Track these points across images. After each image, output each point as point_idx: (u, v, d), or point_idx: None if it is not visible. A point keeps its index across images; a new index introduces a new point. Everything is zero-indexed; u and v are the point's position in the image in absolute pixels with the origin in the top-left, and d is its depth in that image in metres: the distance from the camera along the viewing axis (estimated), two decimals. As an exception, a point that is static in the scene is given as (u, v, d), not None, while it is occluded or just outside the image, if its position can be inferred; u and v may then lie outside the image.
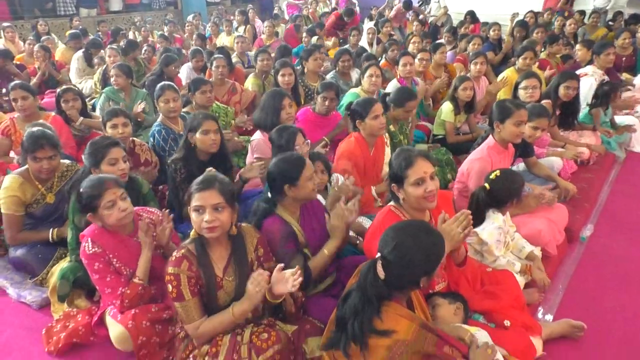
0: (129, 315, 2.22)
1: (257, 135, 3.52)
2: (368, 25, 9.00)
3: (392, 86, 4.73)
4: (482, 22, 8.92)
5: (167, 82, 3.81)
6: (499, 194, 2.62)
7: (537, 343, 2.22)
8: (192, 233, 2.03)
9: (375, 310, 1.69)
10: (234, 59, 6.52)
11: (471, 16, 9.08)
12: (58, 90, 4.35)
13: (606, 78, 5.04)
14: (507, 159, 3.13)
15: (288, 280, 1.91)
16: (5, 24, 8.71)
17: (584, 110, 4.61)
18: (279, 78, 4.50)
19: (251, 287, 1.93)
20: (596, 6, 9.17)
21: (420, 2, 12.24)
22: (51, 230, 2.94)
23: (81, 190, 2.26)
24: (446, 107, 4.45)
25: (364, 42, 7.56)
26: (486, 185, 2.64)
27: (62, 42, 8.57)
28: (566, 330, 2.39)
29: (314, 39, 7.57)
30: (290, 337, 2.02)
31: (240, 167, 3.66)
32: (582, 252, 3.19)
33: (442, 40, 7.16)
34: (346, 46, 6.93)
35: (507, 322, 2.20)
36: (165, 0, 13.08)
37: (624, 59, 6.36)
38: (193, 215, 1.97)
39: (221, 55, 5.06)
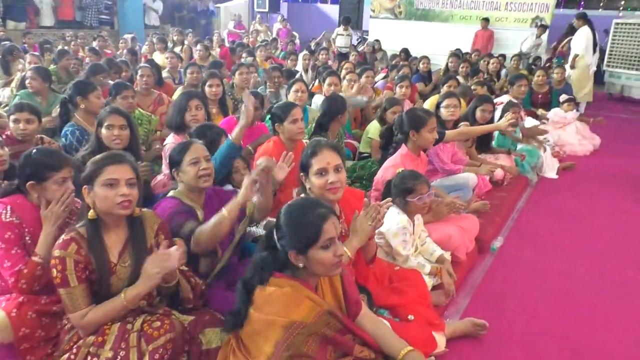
0: (14, 302, 2.04)
1: (170, 139, 3.43)
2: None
3: (317, 100, 4.82)
4: (413, 56, 9.37)
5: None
6: (399, 187, 2.70)
7: (440, 339, 2.24)
8: (90, 214, 1.90)
9: (261, 280, 1.67)
10: (165, 74, 6.42)
11: (405, 52, 9.51)
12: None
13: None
14: (420, 165, 3.23)
15: (173, 255, 1.82)
16: None
17: (497, 135, 4.88)
18: (207, 89, 4.45)
19: (149, 267, 1.82)
20: (523, 51, 9.90)
21: (359, 40, 12.71)
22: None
23: (34, 156, 2.16)
24: (373, 127, 4.56)
25: (299, 68, 7.70)
26: (392, 180, 2.73)
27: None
28: (469, 328, 2.44)
29: (249, 60, 7.63)
30: (186, 327, 1.92)
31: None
32: (492, 261, 3.31)
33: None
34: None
35: (410, 317, 2.22)
36: (99, 19, 12.78)
37: (540, 95, 6.83)
38: (102, 190, 1.84)
39: (147, 65, 4.97)
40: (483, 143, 4.67)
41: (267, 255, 1.76)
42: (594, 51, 8.39)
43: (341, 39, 10.81)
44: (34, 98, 4.57)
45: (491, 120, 4.47)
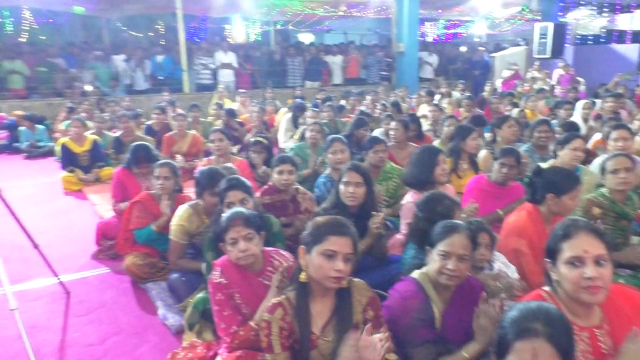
0: (233, 356, 2.12)
1: (408, 198, 3.23)
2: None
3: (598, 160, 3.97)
4: None
5: (336, 135, 3.85)
6: None
7: None
8: (302, 276, 1.85)
9: None
10: (426, 127, 6.38)
11: None
12: (250, 140, 4.81)
13: None
14: None
15: (376, 346, 1.57)
16: (241, 91, 10.29)
17: None
18: (469, 142, 4.16)
19: (346, 354, 1.64)
20: None
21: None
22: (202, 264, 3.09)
23: (218, 219, 2.33)
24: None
25: (577, 119, 6.67)
26: None
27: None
28: None
29: (515, 111, 7.01)
30: None
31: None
32: None
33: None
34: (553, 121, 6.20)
35: None
36: (380, 75, 13.87)
37: None
38: (318, 259, 1.77)
39: (405, 120, 4.98)
40: None
41: None
42: None
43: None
44: (305, 150, 5.07)
45: None
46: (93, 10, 12.80)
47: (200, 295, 2.75)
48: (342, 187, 2.88)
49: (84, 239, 4.24)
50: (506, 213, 3.30)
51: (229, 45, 12.71)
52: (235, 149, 6.36)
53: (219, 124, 7.47)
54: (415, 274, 2.07)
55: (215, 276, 2.25)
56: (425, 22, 19.19)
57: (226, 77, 11.76)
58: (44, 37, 14.00)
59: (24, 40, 13.17)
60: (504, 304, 1.97)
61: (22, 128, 8.43)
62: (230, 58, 11.88)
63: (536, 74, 11.07)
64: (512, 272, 2.50)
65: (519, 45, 14.96)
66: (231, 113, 7.42)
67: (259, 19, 15.91)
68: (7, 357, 2.60)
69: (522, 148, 4.79)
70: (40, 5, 11.95)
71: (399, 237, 3.26)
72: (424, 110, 8.36)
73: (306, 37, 19.55)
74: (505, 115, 5.28)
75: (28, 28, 13.90)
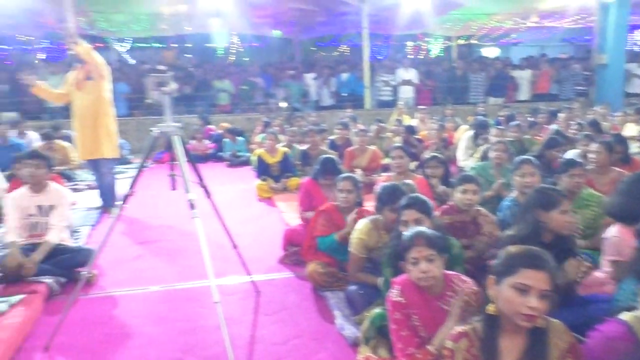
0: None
1: (613, 232, 2.81)
2: None
3: None
4: None
5: (525, 157, 3.59)
6: None
7: None
8: (490, 308, 1.75)
9: None
10: (635, 149, 5.57)
11: None
12: (426, 156, 4.76)
13: None
14: None
15: None
16: (421, 107, 10.26)
17: None
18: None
19: None
20: None
21: None
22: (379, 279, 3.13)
23: (398, 236, 2.34)
24: None
25: None
26: None
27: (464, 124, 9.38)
28: None
29: None
30: None
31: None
32: None
33: None
34: None
35: None
36: (575, 90, 12.55)
37: None
38: (509, 292, 1.67)
39: (609, 141, 4.40)
40: None
41: None
42: None
43: None
44: (488, 170, 4.83)
45: None
46: (289, 33, 14.07)
47: (377, 310, 2.78)
48: (558, 214, 2.63)
49: (272, 243, 4.63)
50: None
51: (410, 62, 12.80)
52: (413, 165, 6.35)
53: (398, 140, 7.55)
54: (626, 315, 1.80)
55: (394, 294, 2.26)
56: (635, 30, 16.85)
57: (406, 93, 11.87)
58: (247, 59, 15.82)
59: (231, 61, 15.05)
60: None
61: (225, 140, 9.62)
62: (411, 74, 11.95)
63: None
64: None
65: None
66: (410, 130, 7.46)
67: (442, 35, 15.72)
68: (207, 345, 2.95)
69: None
70: (247, 31, 13.53)
71: (598, 275, 2.89)
72: (631, 130, 7.33)
73: (490, 51, 18.71)
74: None
75: (235, 51, 15.88)
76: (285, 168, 6.85)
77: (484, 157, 5.78)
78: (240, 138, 9.64)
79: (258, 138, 9.08)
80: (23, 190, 4.02)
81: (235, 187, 7.20)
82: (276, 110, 11.20)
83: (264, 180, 6.71)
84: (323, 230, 3.70)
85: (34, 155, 4.12)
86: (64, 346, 2.95)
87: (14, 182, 5.01)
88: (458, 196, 3.41)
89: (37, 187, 4.00)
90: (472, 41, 16.42)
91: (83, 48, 5.19)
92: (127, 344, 2.99)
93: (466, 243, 3.27)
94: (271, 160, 6.88)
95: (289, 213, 5.53)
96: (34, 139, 8.11)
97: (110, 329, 3.19)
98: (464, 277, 2.39)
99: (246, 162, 8.87)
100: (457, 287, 2.27)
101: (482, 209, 3.46)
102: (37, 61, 13.09)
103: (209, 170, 8.29)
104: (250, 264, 3.66)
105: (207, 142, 9.83)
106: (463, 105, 11.96)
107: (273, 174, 6.80)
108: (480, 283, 2.73)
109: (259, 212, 5.98)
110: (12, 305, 3.23)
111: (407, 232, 2.32)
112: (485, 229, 3.37)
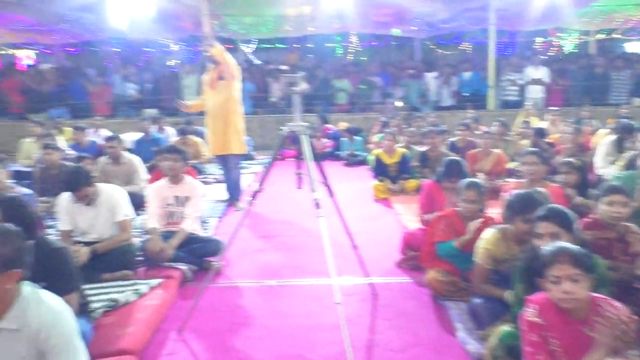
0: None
1: None
2: None
3: None
4: None
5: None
6: None
7: None
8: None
9: None
10: None
11: None
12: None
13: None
14: None
15: None
16: (551, 108, 9.49)
17: None
18: None
19: None
20: None
21: None
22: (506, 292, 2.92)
23: (534, 250, 2.17)
24: None
25: None
26: None
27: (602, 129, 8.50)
28: None
29: None
30: None
31: None
32: None
33: None
34: None
35: None
36: None
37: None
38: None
39: None
40: None
41: None
42: None
43: None
44: (636, 180, 4.30)
45: None
46: (409, 32, 13.83)
47: (506, 328, 2.59)
48: None
49: (388, 245, 4.56)
50: None
51: (541, 60, 11.89)
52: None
53: (525, 143, 7.05)
54: None
55: (531, 314, 2.09)
56: None
57: (535, 93, 11.05)
58: (365, 58, 15.84)
59: (349, 61, 15.16)
60: None
61: (343, 139, 9.71)
62: (542, 73, 11.10)
63: None
64: None
65: None
66: (540, 133, 6.93)
67: (578, 29, 14.39)
68: (326, 344, 2.97)
69: None
70: (366, 30, 13.54)
71: None
72: None
73: (635, 46, 16.74)
74: None
75: (353, 50, 15.98)
76: (403, 169, 6.73)
77: (630, 166, 5.18)
78: (357, 137, 9.68)
79: (375, 138, 9.03)
80: (163, 182, 4.39)
81: (351, 186, 7.23)
82: (392, 110, 11.06)
83: (381, 180, 6.65)
84: (443, 236, 3.57)
85: (173, 149, 4.49)
86: (194, 330, 3.15)
87: (156, 173, 5.49)
88: (603, 208, 3.06)
89: (175, 179, 4.34)
90: (615, 35, 14.81)
91: (217, 50, 5.55)
92: (250, 335, 3.12)
93: (611, 264, 2.92)
94: (389, 160, 6.80)
95: (406, 215, 5.42)
96: (171, 133, 8.87)
97: (235, 318, 3.36)
98: (614, 302, 2.13)
99: (363, 162, 8.87)
100: (605, 313, 2.03)
101: (632, 225, 3.07)
102: (175, 62, 14.27)
103: (327, 169, 8.38)
104: (367, 265, 3.62)
105: (325, 140, 10.00)
106: (602, 107, 10.85)
107: (390, 174, 6.71)
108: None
109: (375, 212, 5.94)
110: (152, 288, 3.53)
111: (548, 247, 2.12)
112: (634, 249, 2.99)
